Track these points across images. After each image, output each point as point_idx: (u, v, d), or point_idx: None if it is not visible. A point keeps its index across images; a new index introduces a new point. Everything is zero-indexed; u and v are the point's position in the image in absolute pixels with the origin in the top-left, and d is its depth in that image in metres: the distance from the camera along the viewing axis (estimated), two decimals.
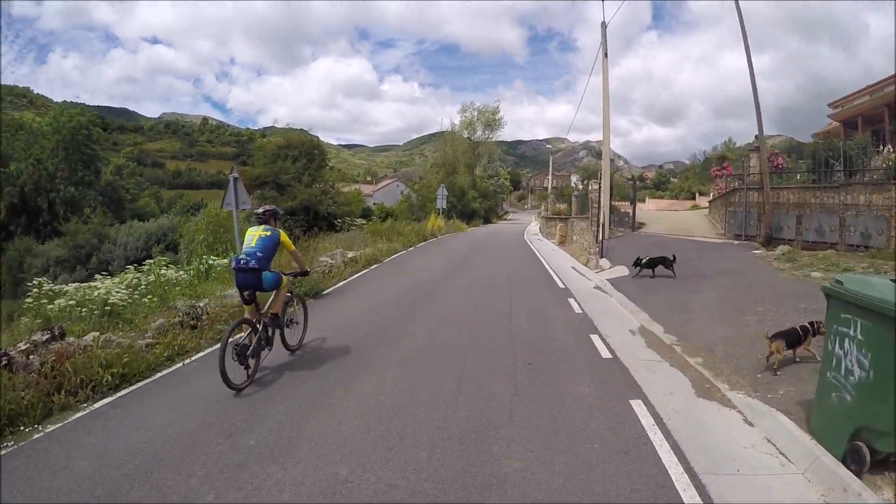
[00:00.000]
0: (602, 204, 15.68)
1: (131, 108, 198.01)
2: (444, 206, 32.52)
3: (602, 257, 13.40)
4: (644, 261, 10.28)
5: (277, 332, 5.40)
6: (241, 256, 4.96)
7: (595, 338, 6.29)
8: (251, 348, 4.74)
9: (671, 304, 7.85)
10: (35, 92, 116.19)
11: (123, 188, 40.74)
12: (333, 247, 14.03)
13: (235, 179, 8.54)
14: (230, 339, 4.55)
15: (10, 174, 31.72)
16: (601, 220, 15.59)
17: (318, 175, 23.11)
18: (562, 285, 10.57)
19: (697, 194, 48.28)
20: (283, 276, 5.31)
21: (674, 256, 10.20)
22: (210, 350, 6.00)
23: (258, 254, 4.92)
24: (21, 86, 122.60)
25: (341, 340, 6.24)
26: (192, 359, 5.69)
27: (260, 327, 4.98)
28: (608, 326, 6.91)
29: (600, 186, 17.34)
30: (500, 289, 9.85)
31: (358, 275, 11.67)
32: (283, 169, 22.04)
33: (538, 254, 17.90)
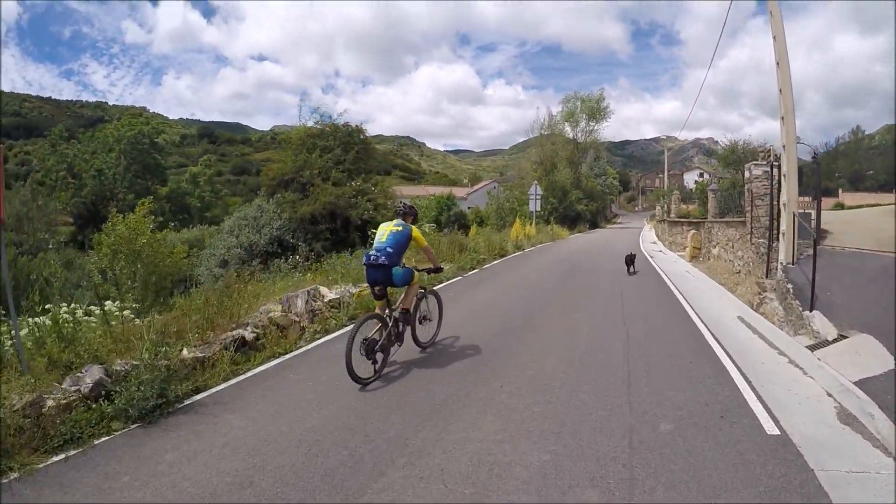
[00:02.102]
0: (788, 199, 8.54)
1: (243, 123, 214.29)
2: (538, 209, 26.38)
3: (812, 309, 6.50)
4: None
5: (408, 328, 5.27)
6: (371, 252, 4.93)
7: None
8: (379, 343, 4.71)
9: None
10: (151, 111, 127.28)
11: (197, 196, 40.10)
12: (313, 280, 8.78)
13: None
14: (358, 333, 4.47)
15: (81, 185, 31.75)
16: (789, 230, 8.47)
17: (354, 170, 17.77)
18: (772, 427, 3.82)
19: (840, 190, 40.59)
20: (415, 272, 5.21)
21: None
22: None
23: (388, 249, 4.87)
24: (138, 105, 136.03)
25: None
26: None
27: (390, 323, 4.91)
28: None
29: (771, 171, 10.15)
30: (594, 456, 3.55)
31: (294, 353, 5.82)
32: (307, 163, 16.82)
33: (669, 283, 11.04)
